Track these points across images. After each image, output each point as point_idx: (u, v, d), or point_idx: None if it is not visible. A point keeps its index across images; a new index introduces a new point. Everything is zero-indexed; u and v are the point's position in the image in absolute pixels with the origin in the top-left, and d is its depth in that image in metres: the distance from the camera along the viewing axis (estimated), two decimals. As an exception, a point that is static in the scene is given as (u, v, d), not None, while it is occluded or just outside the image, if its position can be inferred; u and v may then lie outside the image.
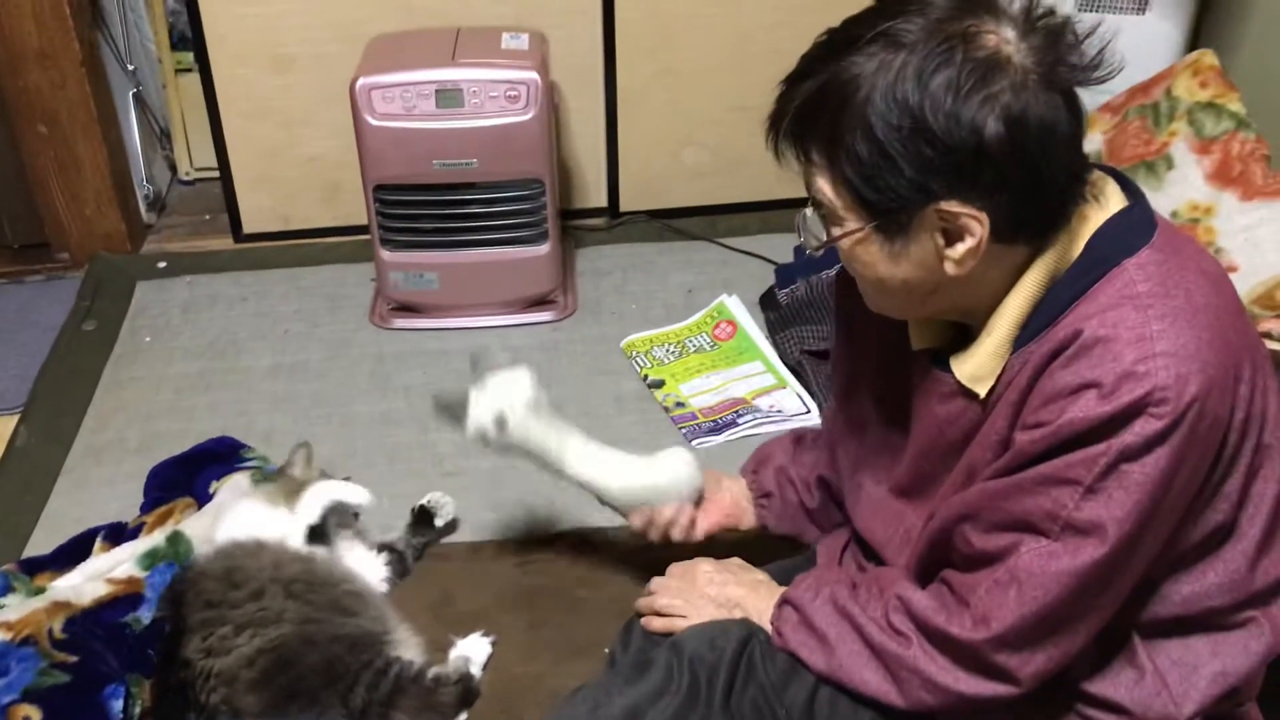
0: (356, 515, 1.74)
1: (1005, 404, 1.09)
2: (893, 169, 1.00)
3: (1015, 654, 1.09)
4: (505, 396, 1.56)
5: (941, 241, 1.04)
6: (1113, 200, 1.09)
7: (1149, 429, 0.99)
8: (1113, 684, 1.14)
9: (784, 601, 1.30)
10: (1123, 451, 1.00)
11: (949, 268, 1.05)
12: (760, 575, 1.42)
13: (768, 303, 2.38)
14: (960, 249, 1.03)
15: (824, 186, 1.05)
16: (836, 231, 1.08)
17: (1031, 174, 1.00)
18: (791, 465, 1.53)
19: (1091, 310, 1.03)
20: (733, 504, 1.58)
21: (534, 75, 2.20)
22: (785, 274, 2.36)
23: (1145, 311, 1.00)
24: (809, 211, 1.10)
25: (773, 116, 1.08)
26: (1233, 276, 1.81)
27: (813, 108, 1.03)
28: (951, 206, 1.01)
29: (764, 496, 1.55)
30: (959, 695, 1.13)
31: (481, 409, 1.55)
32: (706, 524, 1.57)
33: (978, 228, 1.01)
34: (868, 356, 1.30)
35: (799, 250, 2.50)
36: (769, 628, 1.30)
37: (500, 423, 1.53)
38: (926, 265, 1.06)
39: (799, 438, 1.57)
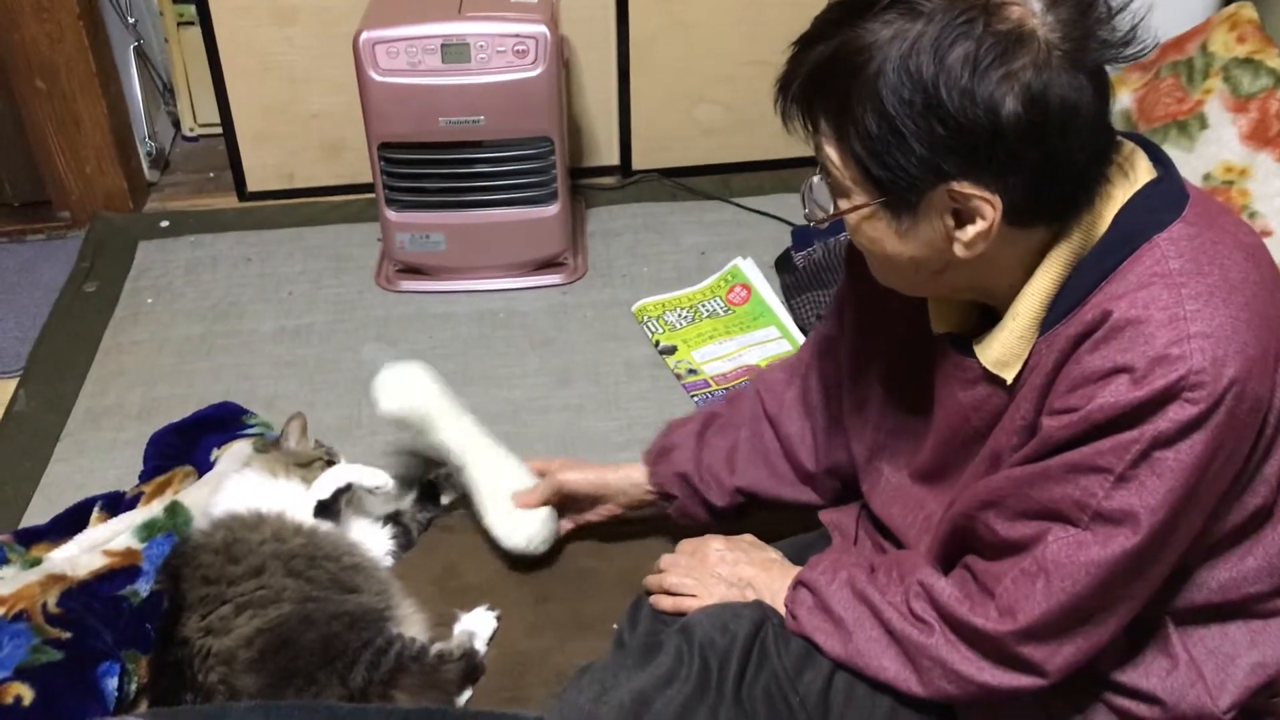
0: (370, 492, 1.70)
1: (1030, 388, 1.05)
2: (903, 146, 0.95)
3: (1042, 646, 1.05)
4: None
5: (951, 223, 0.99)
6: (1141, 172, 1.03)
7: (1184, 415, 0.94)
8: (1144, 674, 1.10)
9: (799, 583, 1.26)
10: (1156, 438, 0.95)
11: (958, 250, 1.00)
12: (773, 554, 1.38)
13: (783, 266, 2.32)
14: (971, 231, 0.98)
15: (832, 155, 1.01)
16: (843, 204, 1.03)
17: (1049, 157, 0.94)
18: (696, 466, 1.54)
19: (1121, 290, 0.97)
20: (619, 503, 1.67)
21: (543, 29, 2.13)
22: (802, 236, 2.30)
23: (1178, 290, 0.95)
24: (816, 179, 1.06)
25: (782, 79, 1.02)
26: (1268, 242, 1.75)
27: (823, 75, 0.98)
28: (963, 188, 0.96)
29: (664, 497, 1.58)
30: (982, 686, 1.09)
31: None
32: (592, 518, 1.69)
33: (990, 211, 0.96)
34: (884, 336, 1.25)
35: (816, 211, 2.44)
36: (782, 609, 1.26)
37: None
38: (935, 246, 1.01)
39: (707, 422, 1.56)
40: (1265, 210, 1.89)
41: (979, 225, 0.97)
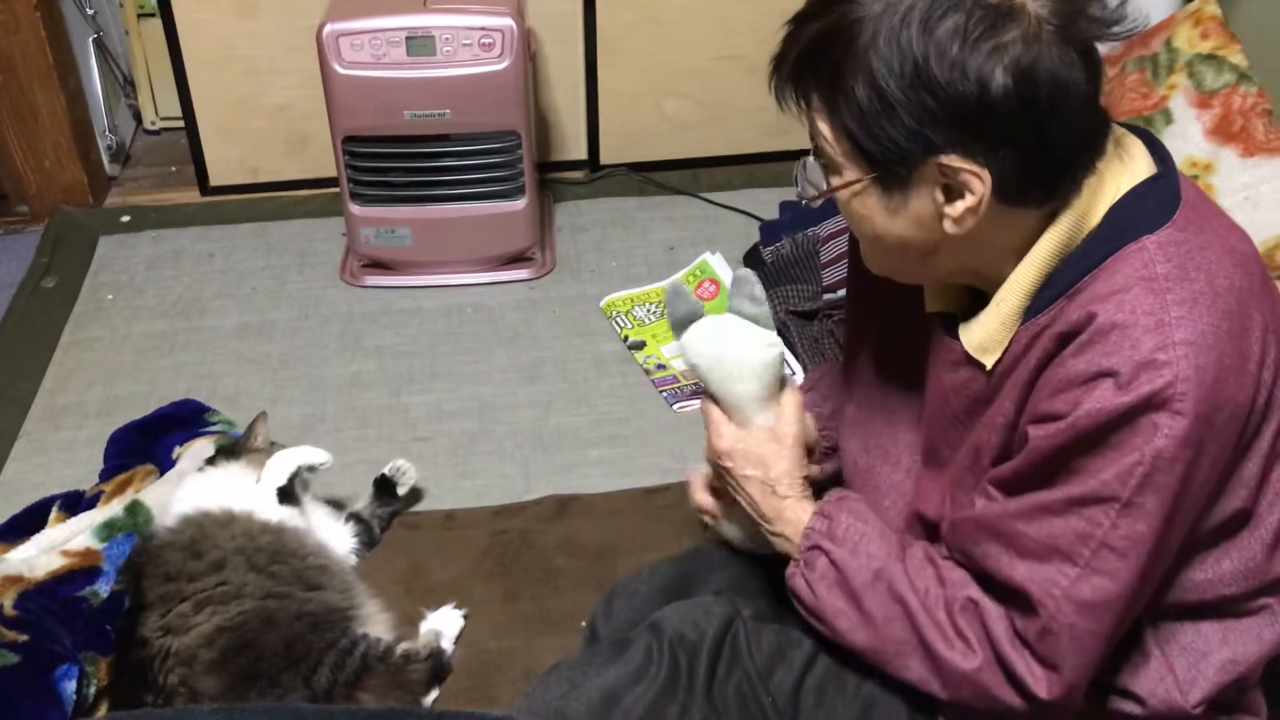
0: (312, 470, 1.68)
1: (1014, 385, 1.04)
2: (893, 118, 0.94)
3: (1079, 691, 1.04)
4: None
5: (941, 198, 0.98)
6: (1139, 166, 1.02)
7: (1177, 428, 0.92)
8: (1116, 670, 1.10)
9: (815, 546, 1.15)
10: (1156, 458, 0.93)
11: (948, 226, 0.99)
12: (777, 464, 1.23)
13: (752, 261, 2.31)
14: (960, 206, 0.97)
15: (825, 132, 1.00)
16: (835, 181, 1.03)
17: (1039, 132, 0.94)
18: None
19: (1105, 291, 0.96)
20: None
21: (509, 21, 2.11)
22: (770, 231, 2.29)
23: (1164, 296, 0.94)
24: (810, 159, 1.05)
25: (776, 58, 1.02)
26: (1234, 237, 1.75)
27: (816, 49, 0.98)
28: (952, 161, 0.95)
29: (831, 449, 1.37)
30: (1009, 710, 1.07)
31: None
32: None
33: (979, 185, 0.95)
34: (888, 317, 1.24)
35: (784, 206, 2.43)
36: (785, 540, 1.18)
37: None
38: (925, 223, 1.00)
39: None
40: (1229, 205, 1.90)
41: (969, 200, 0.97)
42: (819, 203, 1.10)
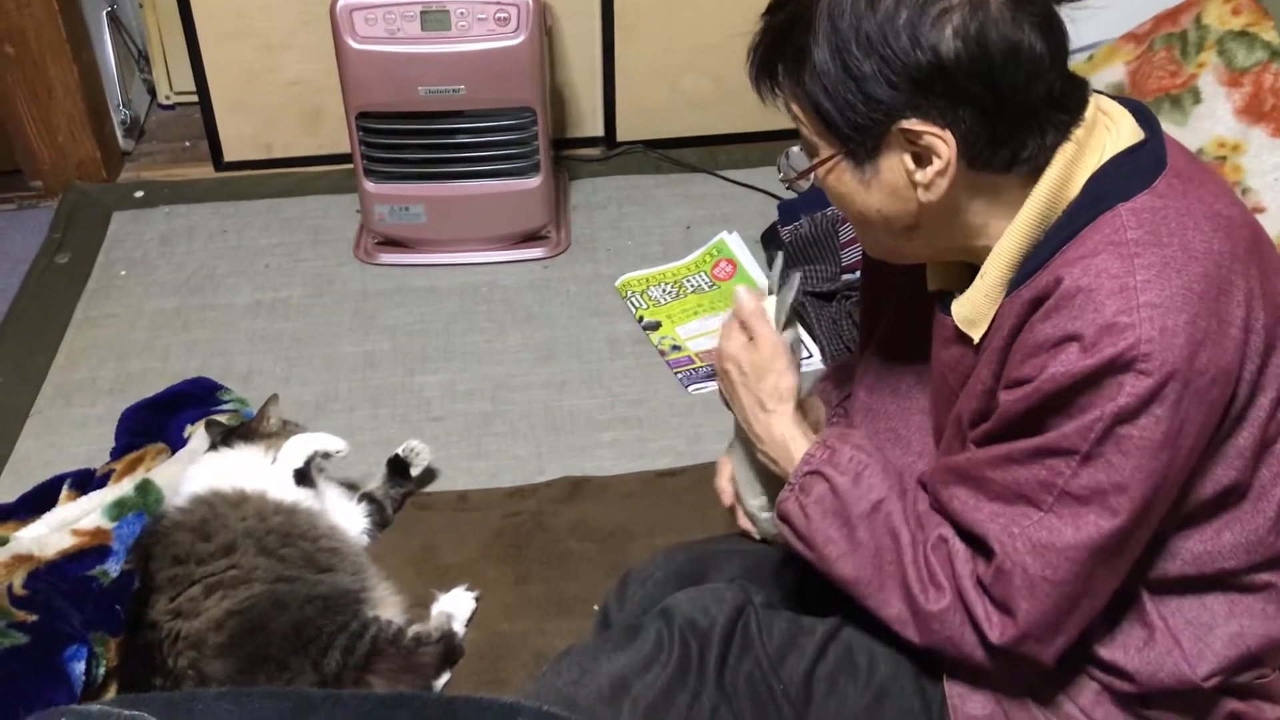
0: (327, 456, 1.67)
1: (991, 353, 1.05)
2: (852, 89, 0.98)
3: (1038, 643, 1.04)
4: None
5: (911, 165, 1.01)
6: (1123, 136, 1.03)
7: (1141, 387, 0.93)
8: (1122, 647, 1.09)
9: (815, 471, 1.12)
10: (1118, 414, 0.94)
11: (922, 195, 1.01)
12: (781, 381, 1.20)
13: (770, 240, 2.28)
14: (930, 172, 1.00)
15: (797, 112, 1.04)
16: (813, 161, 1.06)
17: (995, 92, 0.96)
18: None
19: (1074, 256, 0.98)
20: None
21: (525, -4, 2.08)
22: (788, 210, 2.26)
23: (1131, 260, 0.95)
24: (795, 148, 1.08)
25: (750, 50, 1.07)
26: (1262, 219, 1.72)
27: (780, 36, 1.03)
28: (914, 125, 0.98)
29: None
30: (979, 665, 1.07)
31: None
32: None
33: (944, 148, 0.98)
34: (899, 301, 1.24)
35: (803, 185, 2.40)
36: (782, 461, 1.15)
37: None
38: (900, 193, 1.03)
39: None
40: (1258, 186, 1.86)
41: (936, 164, 0.99)
42: (804, 184, 1.13)
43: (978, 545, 1.05)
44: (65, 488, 1.70)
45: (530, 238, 2.34)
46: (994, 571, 1.02)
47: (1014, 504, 1.01)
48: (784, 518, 1.15)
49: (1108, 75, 2.09)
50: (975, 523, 1.04)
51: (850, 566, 1.11)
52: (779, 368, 1.16)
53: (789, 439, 1.15)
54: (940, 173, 0.99)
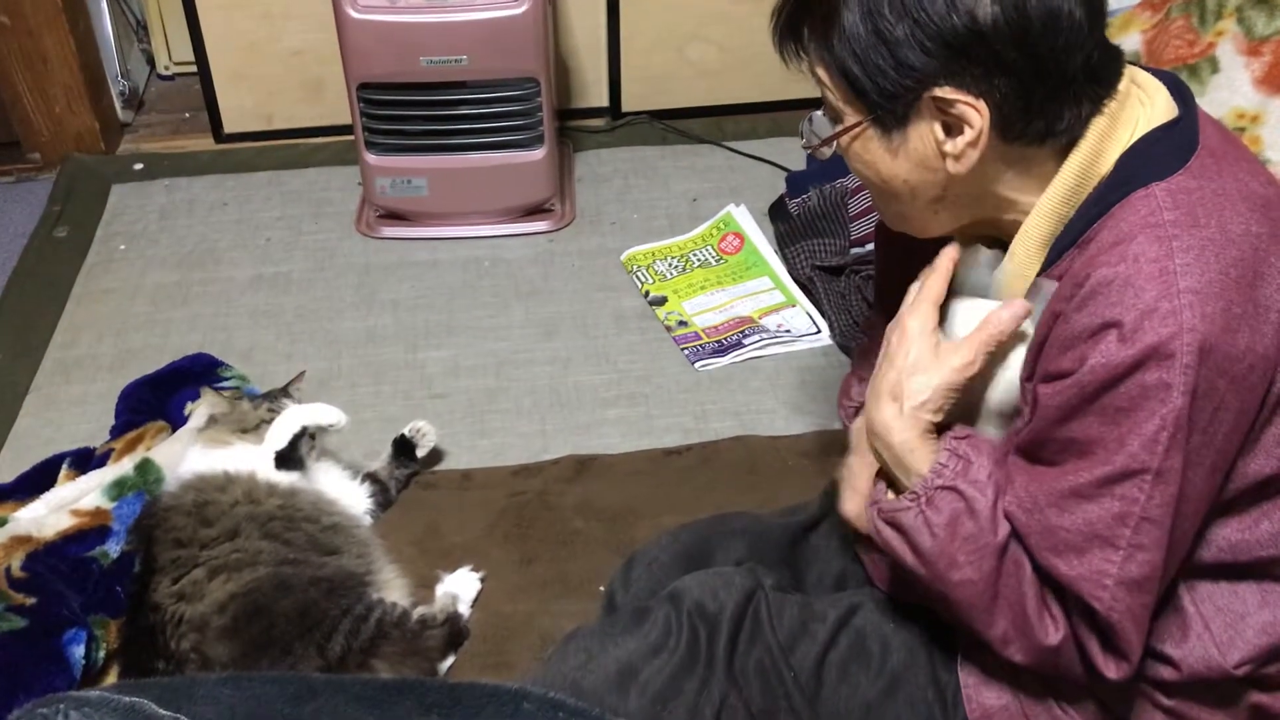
0: (323, 429, 1.61)
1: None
2: (884, 54, 0.95)
3: (1139, 657, 1.01)
4: None
5: (941, 134, 0.98)
6: (1157, 111, 0.99)
7: (1189, 383, 0.90)
8: (1157, 635, 1.06)
9: (950, 487, 1.02)
10: (1178, 418, 0.90)
11: (950, 165, 0.98)
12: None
13: (778, 213, 2.25)
14: (960, 142, 0.97)
15: (823, 78, 1.01)
16: (838, 128, 1.03)
17: (1032, 61, 0.93)
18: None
19: (1110, 240, 0.95)
20: None
21: (528, -36, 2.04)
22: (797, 182, 2.23)
23: (1169, 243, 0.92)
24: (818, 113, 1.05)
25: (774, 12, 1.04)
26: (1283, 193, 1.68)
27: None
28: (946, 93, 0.95)
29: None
30: (1076, 680, 1.05)
31: None
32: None
33: (976, 118, 0.95)
34: (918, 272, 1.19)
35: (812, 157, 2.36)
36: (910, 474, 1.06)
37: None
38: (928, 163, 1.00)
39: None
40: (1278, 159, 1.82)
41: (967, 134, 0.96)
42: (827, 151, 1.08)
43: (1069, 592, 1.00)
44: (64, 467, 1.68)
45: (534, 211, 2.31)
46: (1102, 623, 0.98)
47: (1091, 549, 0.96)
48: (898, 527, 1.05)
49: (1124, 44, 2.04)
50: (1059, 577, 0.99)
51: (969, 592, 1.02)
52: (937, 384, 1.05)
53: (911, 448, 1.06)
54: (971, 143, 0.96)
